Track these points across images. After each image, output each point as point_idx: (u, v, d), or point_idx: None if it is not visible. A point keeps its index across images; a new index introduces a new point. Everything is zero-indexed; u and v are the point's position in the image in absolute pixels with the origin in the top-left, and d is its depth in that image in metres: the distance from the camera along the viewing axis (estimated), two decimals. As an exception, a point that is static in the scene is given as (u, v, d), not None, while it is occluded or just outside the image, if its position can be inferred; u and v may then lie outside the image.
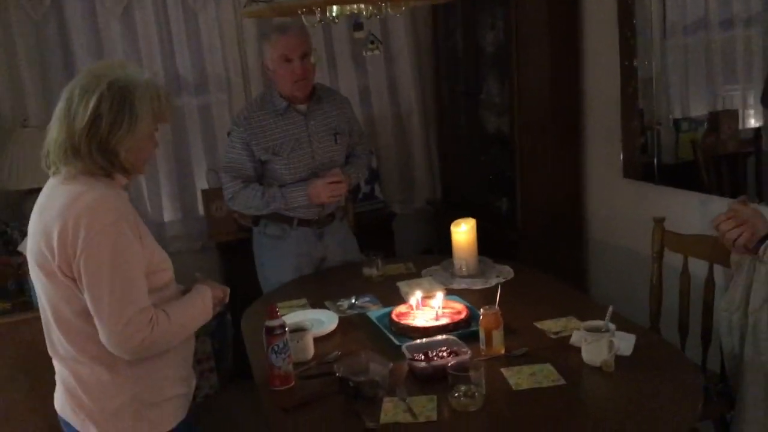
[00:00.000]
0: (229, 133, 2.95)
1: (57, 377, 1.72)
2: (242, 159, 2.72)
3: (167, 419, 1.70)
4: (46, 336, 1.70)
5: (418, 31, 4.00)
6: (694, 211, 2.74)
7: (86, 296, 1.56)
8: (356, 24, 1.87)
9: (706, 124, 2.87)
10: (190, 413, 1.79)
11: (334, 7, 1.81)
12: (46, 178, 2.94)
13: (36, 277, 1.65)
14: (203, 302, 1.75)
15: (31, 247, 1.63)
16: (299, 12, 1.78)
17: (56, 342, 1.66)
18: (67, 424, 1.71)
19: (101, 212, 1.55)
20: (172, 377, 1.71)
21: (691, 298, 2.41)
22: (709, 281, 2.33)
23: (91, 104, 1.54)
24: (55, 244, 1.54)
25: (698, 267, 2.39)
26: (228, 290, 1.85)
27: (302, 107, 2.73)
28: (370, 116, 3.99)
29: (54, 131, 1.59)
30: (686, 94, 2.98)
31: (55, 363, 1.71)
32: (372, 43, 1.91)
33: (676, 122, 2.99)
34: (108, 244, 1.53)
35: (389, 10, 1.83)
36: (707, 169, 2.83)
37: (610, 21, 3.03)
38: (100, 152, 1.56)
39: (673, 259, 2.48)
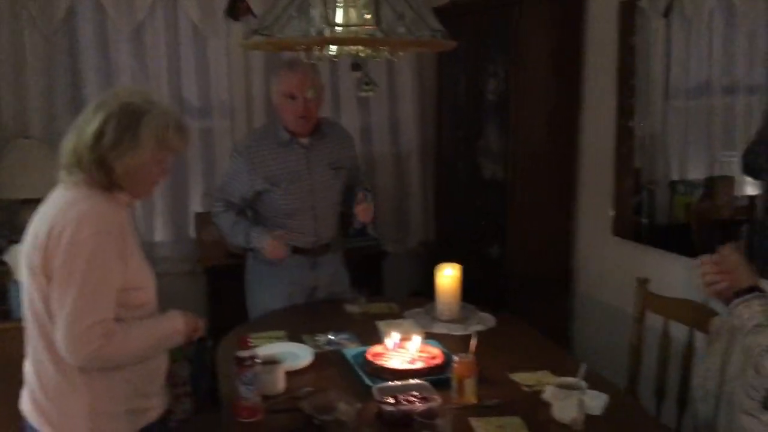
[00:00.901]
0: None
1: (25, 379, 1.76)
2: (233, 186, 2.77)
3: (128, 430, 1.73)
4: (25, 335, 1.74)
5: (423, 74, 4.05)
6: (680, 275, 2.74)
7: (52, 298, 1.61)
8: (354, 64, 1.91)
9: (702, 188, 2.88)
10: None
11: (333, 47, 1.84)
12: (41, 188, 2.97)
13: (26, 281, 1.69)
14: (171, 327, 1.77)
15: (26, 249, 1.69)
16: (297, 49, 1.81)
17: (30, 340, 1.71)
18: (30, 426, 1.74)
19: (87, 222, 1.61)
20: (131, 391, 1.72)
21: (670, 361, 2.40)
22: (689, 346, 2.32)
23: (99, 121, 1.63)
24: (39, 244, 1.62)
25: (679, 331, 2.38)
26: (202, 324, 1.87)
27: (305, 140, 2.76)
28: (370, 154, 4.03)
29: (67, 139, 1.69)
30: (685, 156, 3.00)
31: (26, 363, 1.76)
32: (367, 84, 1.93)
33: (673, 184, 3.00)
34: (84, 254, 1.59)
35: (386, 54, 1.86)
36: (700, 233, 2.83)
37: (610, 80, 3.07)
38: (96, 166, 1.63)
39: (655, 321, 2.48)
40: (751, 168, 2.58)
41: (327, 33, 1.74)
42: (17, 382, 1.81)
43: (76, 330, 1.59)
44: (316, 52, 1.83)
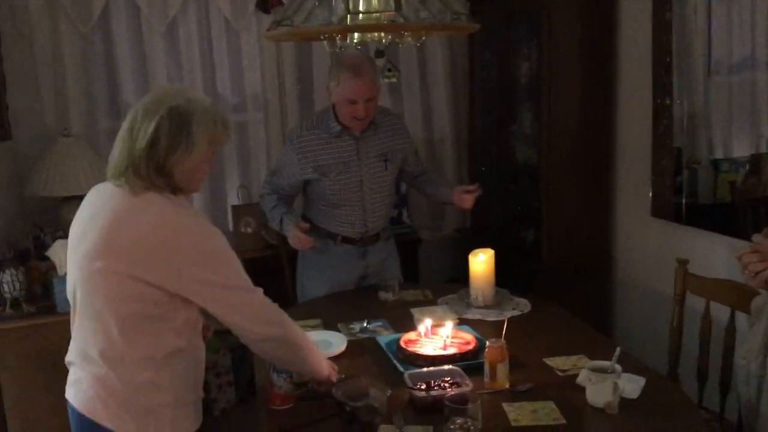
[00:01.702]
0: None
1: (86, 379, 1.73)
2: (282, 174, 2.80)
3: (195, 419, 1.79)
4: (80, 339, 1.74)
5: (456, 59, 4.02)
6: (721, 255, 2.68)
7: (211, 308, 1.71)
8: (377, 51, 1.90)
9: (747, 165, 2.81)
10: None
11: (355, 35, 1.84)
12: (83, 185, 3.07)
13: (90, 281, 1.68)
14: (321, 359, 1.94)
15: (93, 252, 1.66)
16: (321, 38, 1.81)
17: (102, 343, 1.68)
18: (94, 426, 1.71)
19: (202, 229, 1.69)
20: (198, 381, 1.81)
21: (712, 343, 2.35)
22: (730, 327, 2.27)
23: (151, 127, 1.64)
24: (151, 261, 1.62)
25: (721, 312, 2.32)
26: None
27: (356, 132, 2.74)
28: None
29: (117, 149, 1.70)
30: (728, 134, 2.93)
31: (88, 366, 1.72)
32: (389, 71, 1.93)
33: (716, 162, 2.93)
34: (223, 258, 1.70)
35: (409, 39, 1.85)
36: (744, 212, 2.76)
37: (645, 58, 3.00)
38: (156, 172, 1.66)
39: (696, 303, 2.42)
40: None
41: (348, 21, 1.73)
42: (63, 373, 1.84)
43: (256, 302, 1.76)
44: (339, 41, 1.82)
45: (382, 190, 2.81)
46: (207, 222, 1.74)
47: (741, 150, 2.87)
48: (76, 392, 1.75)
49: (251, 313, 1.75)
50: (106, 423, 1.69)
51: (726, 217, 2.80)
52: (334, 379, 1.91)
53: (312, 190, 2.81)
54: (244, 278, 1.75)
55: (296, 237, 2.71)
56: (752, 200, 2.74)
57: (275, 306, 1.81)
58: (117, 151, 1.69)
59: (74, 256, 1.74)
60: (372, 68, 2.65)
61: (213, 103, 1.76)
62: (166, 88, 1.87)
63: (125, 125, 1.70)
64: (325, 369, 1.92)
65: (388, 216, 2.94)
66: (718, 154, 2.94)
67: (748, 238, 2.60)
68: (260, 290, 1.79)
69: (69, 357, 1.80)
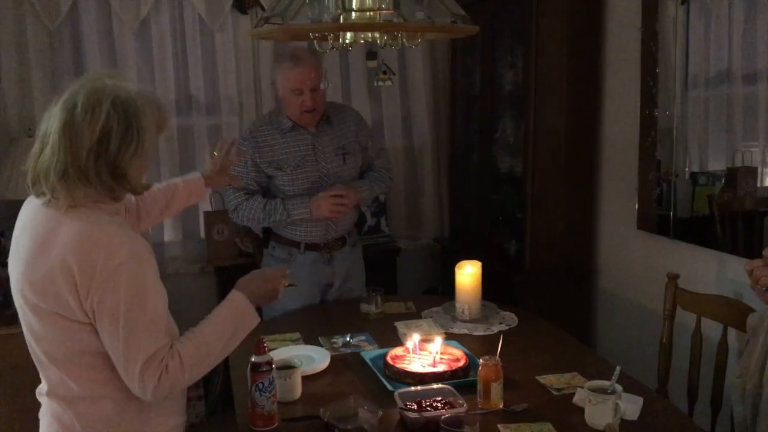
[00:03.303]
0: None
1: (46, 414, 1.61)
2: (247, 172, 2.68)
3: None
4: (40, 373, 1.60)
5: (437, 65, 3.96)
6: (709, 270, 2.64)
7: (103, 338, 1.48)
8: (369, 53, 1.81)
9: (723, 179, 2.79)
10: None
11: (348, 34, 1.75)
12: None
13: (24, 317, 1.54)
14: (227, 309, 1.64)
15: (23, 284, 1.50)
16: (311, 37, 1.71)
17: (54, 381, 1.55)
18: None
19: (113, 250, 1.44)
20: (174, 407, 1.67)
21: (703, 360, 2.30)
22: (722, 344, 2.22)
23: (100, 122, 1.43)
24: (61, 289, 1.43)
25: (711, 328, 2.28)
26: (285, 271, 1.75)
27: (310, 128, 2.69)
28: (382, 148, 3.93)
29: (48, 153, 1.45)
30: (705, 147, 2.92)
31: (47, 400, 1.60)
32: (384, 73, 1.84)
33: (693, 175, 2.91)
34: (120, 286, 1.44)
35: (405, 41, 1.76)
36: (723, 225, 2.74)
37: (633, 68, 2.96)
38: (109, 174, 1.45)
39: (685, 318, 2.38)
40: None
41: (342, 19, 1.64)
42: (24, 386, 1.74)
43: (136, 370, 1.46)
44: (331, 41, 1.72)
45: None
46: (130, 242, 1.48)
47: (717, 164, 2.85)
48: (41, 427, 1.63)
49: (126, 363, 1.49)
50: None
51: (704, 230, 2.77)
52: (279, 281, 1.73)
53: (275, 191, 2.72)
54: (149, 317, 1.48)
55: (318, 199, 2.58)
56: (730, 213, 2.72)
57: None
58: (48, 157, 1.45)
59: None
60: (314, 57, 2.58)
61: (144, 88, 1.58)
62: (89, 76, 1.57)
63: (56, 125, 1.46)
64: (236, 297, 1.65)
65: (353, 217, 2.85)
66: (695, 168, 2.93)
67: (728, 250, 2.61)
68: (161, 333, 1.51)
69: (39, 387, 1.65)
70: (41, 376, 1.60)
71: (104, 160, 1.44)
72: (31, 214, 1.55)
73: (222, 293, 3.48)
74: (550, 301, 3.14)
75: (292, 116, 2.66)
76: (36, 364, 1.59)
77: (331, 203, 2.62)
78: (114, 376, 1.52)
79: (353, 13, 1.67)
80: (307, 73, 2.54)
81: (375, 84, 1.87)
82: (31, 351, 1.59)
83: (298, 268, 2.71)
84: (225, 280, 3.53)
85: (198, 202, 2.41)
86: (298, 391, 1.91)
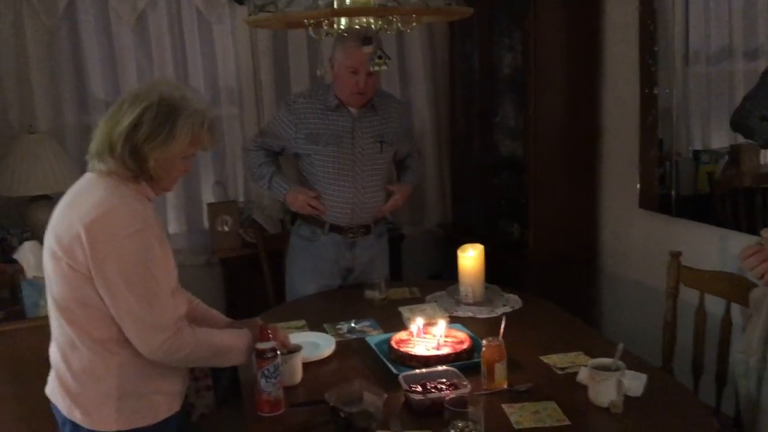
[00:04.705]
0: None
1: (51, 362, 1.77)
2: (275, 131, 2.74)
3: (149, 413, 1.73)
4: (50, 320, 1.76)
5: (435, 50, 3.94)
6: (712, 247, 2.64)
7: (108, 299, 1.63)
8: (365, 38, 1.81)
9: (726, 156, 2.79)
10: (180, 418, 1.81)
11: (343, 20, 1.75)
12: (50, 184, 2.94)
13: (46, 264, 1.71)
14: (233, 340, 1.81)
15: (50, 233, 1.69)
16: (306, 23, 1.71)
17: (56, 326, 1.72)
18: (57, 409, 1.76)
19: (128, 219, 1.63)
20: (157, 373, 1.73)
21: (707, 336, 2.30)
22: (726, 320, 2.23)
23: (137, 111, 1.64)
24: (74, 242, 1.61)
25: (715, 305, 2.28)
26: (283, 338, 1.91)
27: (354, 110, 2.68)
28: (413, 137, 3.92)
29: (100, 127, 1.70)
30: (707, 125, 2.91)
31: (52, 348, 1.76)
32: (380, 57, 1.84)
33: (696, 154, 2.91)
34: (133, 250, 1.62)
35: (399, 25, 1.76)
36: (724, 202, 2.74)
37: (632, 48, 2.96)
38: (131, 155, 1.65)
39: (688, 295, 2.38)
40: (739, 126, 2.58)
41: (336, 4, 1.64)
42: (31, 381, 1.79)
43: (147, 323, 1.64)
44: (326, 27, 1.73)
45: (375, 174, 2.72)
46: (146, 217, 1.67)
47: (720, 141, 2.85)
48: (49, 385, 1.79)
49: (139, 327, 1.65)
50: (61, 407, 1.73)
51: (707, 208, 2.77)
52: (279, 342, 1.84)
53: (302, 167, 2.74)
54: (154, 288, 1.65)
55: (297, 193, 2.67)
56: (731, 191, 2.72)
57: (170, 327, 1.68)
58: (98, 130, 1.70)
59: None
60: (378, 41, 2.54)
61: (209, 109, 1.77)
62: (165, 79, 1.89)
63: (112, 108, 1.70)
64: (242, 344, 1.81)
65: (379, 207, 2.82)
66: (698, 146, 2.92)
67: (730, 227, 2.60)
68: (168, 312, 1.67)
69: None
70: (51, 325, 1.75)
71: (131, 142, 1.64)
72: (79, 182, 1.77)
73: (228, 284, 3.54)
74: (554, 283, 3.14)
75: (341, 95, 2.65)
76: (49, 313, 1.76)
77: (305, 198, 2.67)
78: (98, 329, 1.66)
79: (347, -1, 1.67)
80: (371, 54, 2.46)
81: (371, 69, 1.87)
82: (49, 304, 1.75)
83: (320, 248, 2.74)
84: (230, 271, 3.55)
85: None
86: (298, 376, 1.93)
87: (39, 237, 2.09)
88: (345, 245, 2.76)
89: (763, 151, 2.67)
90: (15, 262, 2.70)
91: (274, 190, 2.76)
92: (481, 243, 2.52)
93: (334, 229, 2.73)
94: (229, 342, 1.80)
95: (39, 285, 2.47)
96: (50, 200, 2.91)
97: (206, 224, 3.65)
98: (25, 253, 2.64)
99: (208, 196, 3.69)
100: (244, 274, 3.41)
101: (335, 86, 2.66)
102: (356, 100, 2.64)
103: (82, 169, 1.81)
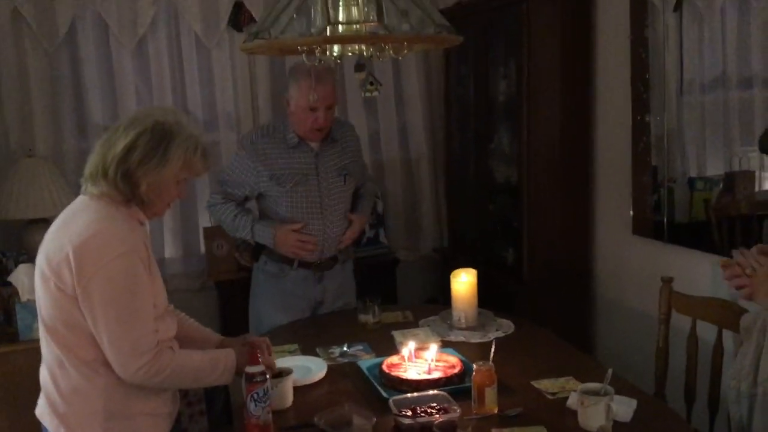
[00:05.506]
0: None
1: (41, 382, 1.79)
2: (238, 179, 2.69)
3: None
4: (40, 341, 1.78)
5: (431, 76, 3.99)
6: (705, 273, 2.65)
7: (90, 320, 1.64)
8: (358, 64, 1.85)
9: (721, 184, 2.80)
10: None
11: (335, 47, 1.78)
12: (48, 208, 2.96)
13: (37, 284, 1.74)
14: (218, 358, 1.82)
15: (41, 254, 1.72)
16: (299, 50, 1.75)
17: (45, 347, 1.74)
18: (45, 430, 1.77)
19: (115, 242, 1.65)
20: (144, 394, 1.74)
21: (699, 363, 2.30)
22: (718, 346, 2.23)
23: (131, 135, 1.67)
24: (63, 263, 1.63)
25: (707, 331, 2.28)
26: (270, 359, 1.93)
27: (314, 145, 2.67)
28: (379, 160, 3.96)
29: (96, 150, 1.73)
30: (702, 152, 2.93)
31: (41, 369, 1.78)
32: (371, 84, 1.87)
33: (691, 181, 2.92)
34: (119, 273, 1.63)
35: (391, 52, 1.79)
36: (720, 229, 2.75)
37: (624, 75, 2.99)
38: (123, 179, 1.67)
39: (681, 322, 2.38)
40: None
41: (329, 32, 1.67)
42: (24, 403, 1.81)
43: (124, 348, 1.65)
44: (318, 54, 1.76)
45: (341, 206, 2.72)
46: (134, 240, 1.69)
47: (715, 168, 2.87)
48: (38, 406, 1.80)
49: (116, 351, 1.67)
50: (49, 428, 1.74)
51: (702, 235, 2.78)
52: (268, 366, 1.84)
53: (267, 207, 2.71)
54: (136, 312, 1.67)
55: (285, 234, 2.62)
56: (726, 218, 2.73)
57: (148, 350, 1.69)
58: (93, 156, 1.72)
59: None
60: (332, 76, 2.60)
61: (202, 135, 1.79)
62: (162, 107, 1.91)
63: (107, 133, 1.73)
64: (228, 361, 1.83)
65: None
66: (693, 173, 2.94)
67: (727, 255, 2.61)
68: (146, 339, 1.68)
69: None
70: (41, 345, 1.78)
71: (124, 167, 1.67)
72: (73, 204, 1.80)
73: (223, 307, 3.55)
74: (548, 307, 3.15)
75: (299, 131, 2.62)
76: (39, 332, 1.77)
77: (296, 239, 2.63)
78: (95, 358, 1.68)
79: (340, 26, 1.70)
80: (326, 90, 2.53)
81: (363, 95, 1.90)
82: (40, 322, 1.76)
83: (288, 284, 2.72)
84: (225, 294, 3.56)
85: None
86: (289, 400, 1.93)
87: (34, 260, 2.10)
88: (313, 280, 2.75)
89: (758, 178, 2.69)
90: (10, 284, 2.71)
91: (258, 239, 2.70)
92: (477, 267, 2.53)
93: (303, 264, 2.71)
94: (210, 363, 1.81)
95: (33, 307, 2.47)
96: (47, 223, 2.92)
97: (203, 248, 3.66)
98: (19, 276, 2.66)
99: (205, 220, 3.71)
100: (239, 297, 3.41)
101: (292, 123, 2.63)
102: (315, 136, 2.62)
103: (78, 194, 1.82)
